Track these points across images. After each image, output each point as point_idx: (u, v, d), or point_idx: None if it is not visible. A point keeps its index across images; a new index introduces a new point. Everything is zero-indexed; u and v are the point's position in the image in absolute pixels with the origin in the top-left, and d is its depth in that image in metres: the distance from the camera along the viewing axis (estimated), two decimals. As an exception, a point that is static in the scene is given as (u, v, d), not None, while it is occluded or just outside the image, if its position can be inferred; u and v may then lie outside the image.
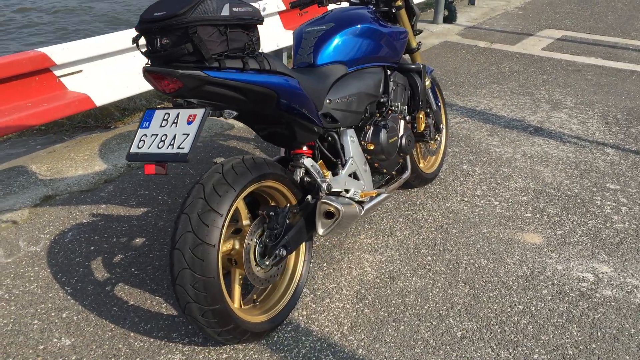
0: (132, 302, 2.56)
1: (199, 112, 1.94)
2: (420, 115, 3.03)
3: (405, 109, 2.96)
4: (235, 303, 2.27)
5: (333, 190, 2.44)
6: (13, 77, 3.18)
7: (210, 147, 4.15)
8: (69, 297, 2.59)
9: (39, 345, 2.31)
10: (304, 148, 2.53)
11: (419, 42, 3.21)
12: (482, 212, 3.32)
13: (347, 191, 2.56)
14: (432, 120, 3.39)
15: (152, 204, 3.35)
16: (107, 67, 3.74)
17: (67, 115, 3.50)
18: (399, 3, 2.98)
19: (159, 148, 1.94)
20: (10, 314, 2.48)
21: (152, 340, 2.34)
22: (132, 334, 2.37)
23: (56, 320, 2.45)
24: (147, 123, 2.02)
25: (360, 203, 2.67)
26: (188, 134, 1.92)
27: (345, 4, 3.09)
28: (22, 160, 4.01)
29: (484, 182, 3.67)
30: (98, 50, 3.59)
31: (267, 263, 2.25)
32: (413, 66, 3.05)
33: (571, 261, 2.88)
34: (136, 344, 2.32)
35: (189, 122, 1.95)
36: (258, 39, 2.12)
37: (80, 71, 3.58)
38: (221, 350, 2.28)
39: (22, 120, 3.17)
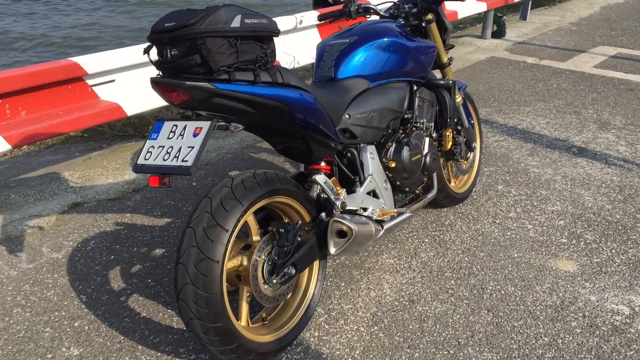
0: (144, 314, 2.53)
1: (205, 125, 1.90)
2: (447, 133, 2.92)
3: (431, 126, 2.85)
4: (242, 321, 2.21)
5: (348, 208, 2.35)
6: (45, 85, 3.23)
7: (240, 159, 4.13)
8: (83, 306, 2.59)
9: (48, 354, 2.30)
10: (322, 164, 2.46)
11: (451, 57, 3.10)
12: (513, 236, 3.17)
13: (364, 209, 2.47)
14: (464, 138, 3.27)
15: (176, 214, 3.34)
16: (140, 77, 3.77)
17: (98, 123, 3.53)
18: (429, 17, 2.89)
19: (164, 160, 1.90)
20: (25, 321, 2.49)
21: (159, 354, 2.31)
22: (139, 347, 2.34)
23: (68, 329, 2.44)
24: (156, 134, 1.99)
25: (379, 222, 2.58)
26: (193, 147, 1.88)
27: (375, 17, 3.01)
28: (58, 166, 4.09)
29: (518, 204, 3.51)
30: (130, 60, 3.62)
31: (275, 281, 2.18)
32: (442, 82, 2.94)
33: (606, 292, 2.71)
34: (143, 357, 2.29)
35: (195, 135, 1.91)
36: (273, 52, 2.07)
37: (113, 80, 3.61)
38: (226, 369, 2.23)
39: (53, 127, 3.21)
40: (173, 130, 1.96)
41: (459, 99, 3.19)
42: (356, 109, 2.45)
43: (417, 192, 2.83)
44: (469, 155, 3.38)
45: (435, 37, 2.95)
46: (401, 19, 2.93)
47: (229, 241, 2.00)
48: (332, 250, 2.28)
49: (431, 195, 2.93)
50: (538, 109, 5.22)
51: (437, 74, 3.24)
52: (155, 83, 1.90)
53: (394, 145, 2.59)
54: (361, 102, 2.48)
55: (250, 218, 2.17)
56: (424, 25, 2.90)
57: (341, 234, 2.26)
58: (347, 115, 2.41)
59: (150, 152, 1.96)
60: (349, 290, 2.71)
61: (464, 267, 2.89)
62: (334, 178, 2.28)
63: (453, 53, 7.23)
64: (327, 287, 2.73)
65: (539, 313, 2.56)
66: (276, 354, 2.26)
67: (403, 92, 2.67)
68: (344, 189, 2.34)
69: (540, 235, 3.18)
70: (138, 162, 1.96)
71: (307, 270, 2.43)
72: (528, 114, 5.11)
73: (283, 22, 4.68)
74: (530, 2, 9.25)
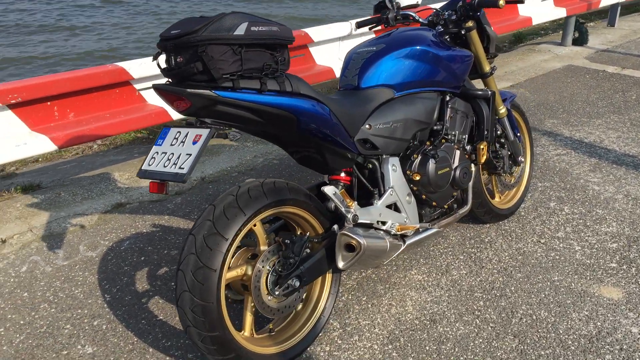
0: (161, 317, 2.56)
1: (204, 133, 1.89)
2: (481, 146, 2.76)
3: (464, 138, 2.72)
4: (246, 331, 2.18)
5: (362, 221, 2.27)
6: (92, 88, 3.35)
7: (286, 165, 4.12)
8: (105, 305, 2.65)
9: (63, 351, 2.37)
10: (342, 174, 2.39)
11: (493, 66, 2.94)
12: (557, 257, 2.97)
13: (383, 223, 2.38)
14: (508, 152, 3.10)
15: (212, 219, 3.37)
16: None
17: (143, 127, 3.63)
18: (469, 24, 2.75)
19: (164, 167, 1.91)
20: (49, 316, 2.57)
21: (167, 358, 2.32)
22: (150, 350, 2.36)
23: (86, 328, 2.50)
24: (161, 140, 2.00)
25: (402, 237, 2.49)
26: (190, 154, 1.87)
27: (415, 24, 2.91)
28: (113, 167, 4.23)
29: (569, 223, 3.29)
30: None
31: (277, 293, 2.13)
32: (479, 92, 2.80)
33: (652, 324, 2.48)
34: (147, 357, 2.31)
35: (194, 142, 1.90)
36: (286, 60, 2.03)
37: (160, 85, 3.70)
38: (229, 379, 2.20)
39: (99, 130, 3.32)
40: (176, 137, 1.96)
41: (502, 110, 3.02)
42: (378, 119, 2.37)
43: (445, 206, 2.69)
44: (514, 169, 3.19)
45: (475, 45, 2.81)
46: (440, 27, 2.82)
47: (228, 250, 1.97)
48: (341, 264, 2.20)
49: (463, 210, 2.79)
50: (610, 122, 4.89)
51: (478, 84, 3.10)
52: (157, 89, 1.90)
53: (419, 158, 2.48)
54: (384, 112, 2.40)
55: (258, 227, 2.14)
56: (463, 33, 2.77)
57: (350, 247, 2.19)
58: (367, 126, 2.33)
59: (154, 157, 1.97)
60: (369, 306, 2.62)
61: (497, 287, 2.73)
62: (342, 190, 2.21)
63: (527, 61, 6.93)
64: (348, 300, 2.65)
65: (570, 342, 2.37)
66: (277, 368, 2.22)
67: (432, 102, 2.55)
68: (355, 202, 2.26)
69: (588, 258, 2.96)
70: (142, 167, 1.98)
71: (319, 282, 2.37)
72: (598, 126, 4.79)
73: (338, 28, 4.64)
74: (619, 8, 8.71)
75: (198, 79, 1.86)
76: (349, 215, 2.21)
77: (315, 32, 4.56)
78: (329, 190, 2.15)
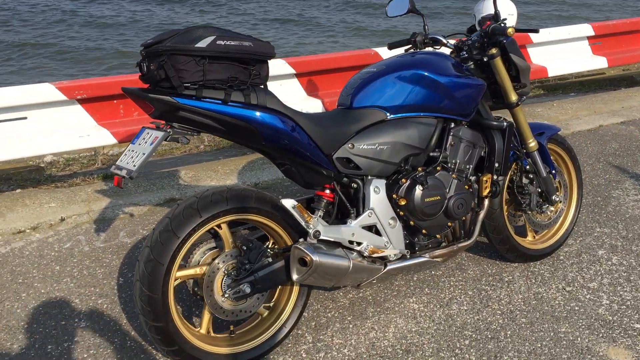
0: (156, 305, 2.75)
1: (160, 135, 2.04)
2: (485, 178, 2.63)
3: (468, 168, 2.60)
4: (202, 329, 2.29)
5: (326, 238, 2.28)
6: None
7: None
8: (115, 287, 2.90)
9: (62, 321, 2.64)
10: (327, 191, 2.42)
11: (522, 97, 2.79)
12: (576, 308, 2.73)
13: (359, 244, 2.37)
14: (537, 189, 2.91)
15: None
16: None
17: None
18: (492, 52, 2.65)
19: (126, 163, 2.08)
20: (66, 289, 2.87)
21: (144, 345, 2.49)
22: (132, 334, 2.55)
23: (90, 304, 2.76)
24: (136, 139, 2.18)
25: (383, 261, 2.46)
26: (144, 154, 2.03)
27: (444, 49, 2.85)
28: (190, 166, 4.55)
29: (610, 274, 3.00)
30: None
31: (227, 295, 2.22)
32: (494, 122, 2.67)
33: (650, 396, 2.21)
34: (129, 343, 2.50)
35: (152, 143, 2.06)
36: (261, 74, 2.13)
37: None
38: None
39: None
40: (144, 137, 2.12)
41: (531, 144, 2.85)
42: (362, 140, 2.37)
43: (438, 236, 2.60)
44: (545, 208, 2.99)
45: (500, 73, 2.69)
46: (464, 52, 2.75)
47: (179, 247, 2.11)
48: (295, 277, 2.23)
49: (465, 243, 2.67)
50: None
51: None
52: (127, 93, 2.09)
53: (407, 183, 2.43)
54: (371, 133, 2.39)
55: (224, 230, 2.25)
56: (485, 60, 2.67)
57: (303, 262, 2.21)
58: (349, 145, 2.34)
59: (126, 154, 2.15)
60: (350, 326, 2.61)
61: (492, 329, 2.59)
62: (299, 204, 2.23)
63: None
64: (332, 317, 2.66)
65: (542, 399, 2.20)
66: (226, 368, 2.30)
67: (428, 128, 2.49)
68: (319, 218, 2.28)
69: (612, 315, 2.69)
70: (116, 163, 2.17)
71: (286, 293, 2.42)
72: (703, 175, 4.28)
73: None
74: None
75: (164, 86, 2.02)
76: (310, 231, 2.24)
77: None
78: (287, 203, 2.20)
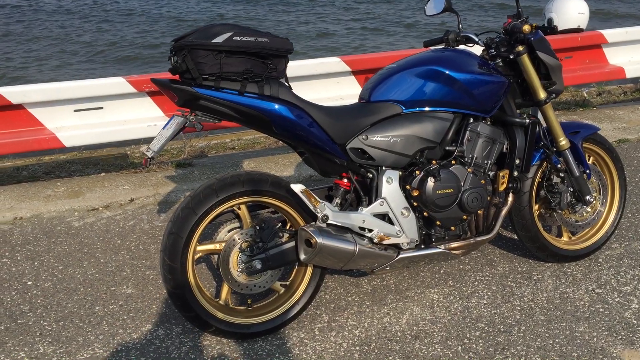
0: (204, 280, 3.01)
1: (180, 121, 2.28)
2: (502, 174, 2.65)
3: (486, 164, 2.64)
4: (221, 299, 2.51)
5: (334, 222, 2.42)
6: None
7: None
8: (154, 260, 3.19)
9: (112, 287, 2.96)
10: (344, 180, 2.57)
11: (552, 95, 2.77)
12: (601, 310, 2.69)
13: (370, 231, 2.50)
14: (568, 188, 2.88)
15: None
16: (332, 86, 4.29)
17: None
18: (519, 49, 2.67)
19: (153, 145, 2.34)
20: (121, 260, 3.20)
21: (176, 312, 2.75)
22: (169, 302, 2.83)
23: (139, 274, 3.07)
24: (166, 125, 2.43)
25: (398, 249, 2.56)
26: (166, 138, 2.28)
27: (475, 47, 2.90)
28: (253, 158, 4.81)
29: (648, 279, 2.92)
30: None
31: (241, 270, 2.43)
32: (517, 120, 2.68)
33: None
34: (165, 310, 2.77)
35: (174, 128, 2.31)
36: (278, 68, 2.32)
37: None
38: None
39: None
40: (172, 123, 2.37)
41: (562, 142, 2.83)
42: (376, 132, 2.49)
43: (453, 228, 2.65)
44: (578, 208, 2.94)
45: (527, 71, 2.70)
46: (492, 50, 2.79)
47: (197, 223, 2.34)
48: (302, 256, 2.40)
49: (483, 238, 2.70)
50: None
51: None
52: (154, 83, 2.35)
53: (420, 175, 2.52)
54: (385, 125, 2.51)
55: (242, 211, 2.46)
56: (511, 57, 2.70)
57: (309, 243, 2.37)
58: (363, 136, 2.47)
59: (156, 138, 2.40)
60: (367, 310, 2.74)
61: (506, 324, 2.62)
62: (306, 189, 2.38)
63: None
64: (352, 301, 2.80)
65: (538, 392, 2.23)
66: (237, 337, 2.50)
67: (444, 122, 2.56)
68: (324, 202, 2.42)
69: (637, 319, 2.63)
70: (148, 146, 2.44)
71: (302, 272, 2.59)
72: None
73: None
74: None
75: (187, 77, 2.26)
76: (319, 215, 2.40)
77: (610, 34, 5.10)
78: (296, 187, 2.37)
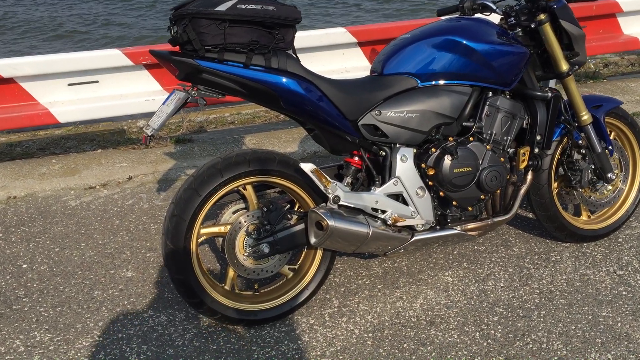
0: (207, 263, 2.88)
1: (181, 96, 2.13)
2: (522, 151, 2.51)
3: (506, 140, 2.49)
4: (227, 285, 2.38)
5: (346, 203, 2.28)
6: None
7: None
8: (155, 242, 3.06)
9: (111, 270, 2.83)
10: (356, 158, 2.42)
11: (575, 66, 2.61)
12: (624, 293, 2.57)
13: (383, 212, 2.36)
14: (589, 165, 2.75)
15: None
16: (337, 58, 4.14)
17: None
18: (541, 17, 2.50)
19: (153, 122, 2.18)
20: (120, 241, 3.07)
21: (178, 296, 2.63)
22: (170, 286, 2.70)
23: (139, 257, 2.94)
24: (166, 100, 2.27)
25: (411, 230, 2.43)
26: (167, 114, 2.13)
27: (493, 15, 2.72)
28: (255, 134, 4.65)
29: (671, 260, 2.79)
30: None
31: (247, 254, 2.29)
32: (538, 93, 2.53)
33: (685, 390, 2.06)
34: (167, 294, 2.64)
35: (174, 104, 2.15)
36: (285, 39, 2.15)
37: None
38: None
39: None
40: (172, 98, 2.21)
41: (584, 117, 2.68)
42: (390, 107, 2.33)
43: (470, 208, 2.52)
44: (599, 186, 2.81)
45: (549, 41, 2.54)
46: (512, 18, 2.62)
47: (200, 205, 2.20)
48: (312, 240, 2.27)
49: (501, 218, 2.57)
50: None
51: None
52: (154, 55, 2.18)
53: (436, 152, 2.38)
54: (400, 100, 2.35)
55: (248, 191, 2.32)
56: (532, 26, 2.53)
57: (320, 226, 2.24)
58: (376, 112, 2.32)
59: (156, 114, 2.25)
60: (379, 294, 2.61)
61: (525, 308, 2.50)
62: (316, 168, 2.24)
63: None
64: (362, 284, 2.68)
65: (563, 382, 2.11)
66: (244, 324, 2.38)
67: (461, 96, 2.40)
68: (335, 182, 2.28)
69: (662, 302, 2.52)
70: (147, 122, 2.29)
71: (311, 256, 2.45)
72: None
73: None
74: None
75: (188, 48, 2.09)
76: (330, 196, 2.26)
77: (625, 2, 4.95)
78: (305, 167, 2.22)
